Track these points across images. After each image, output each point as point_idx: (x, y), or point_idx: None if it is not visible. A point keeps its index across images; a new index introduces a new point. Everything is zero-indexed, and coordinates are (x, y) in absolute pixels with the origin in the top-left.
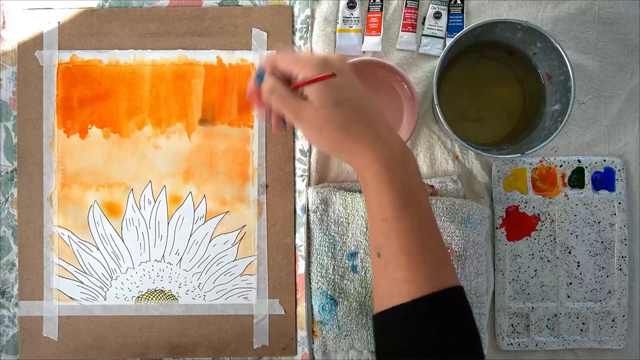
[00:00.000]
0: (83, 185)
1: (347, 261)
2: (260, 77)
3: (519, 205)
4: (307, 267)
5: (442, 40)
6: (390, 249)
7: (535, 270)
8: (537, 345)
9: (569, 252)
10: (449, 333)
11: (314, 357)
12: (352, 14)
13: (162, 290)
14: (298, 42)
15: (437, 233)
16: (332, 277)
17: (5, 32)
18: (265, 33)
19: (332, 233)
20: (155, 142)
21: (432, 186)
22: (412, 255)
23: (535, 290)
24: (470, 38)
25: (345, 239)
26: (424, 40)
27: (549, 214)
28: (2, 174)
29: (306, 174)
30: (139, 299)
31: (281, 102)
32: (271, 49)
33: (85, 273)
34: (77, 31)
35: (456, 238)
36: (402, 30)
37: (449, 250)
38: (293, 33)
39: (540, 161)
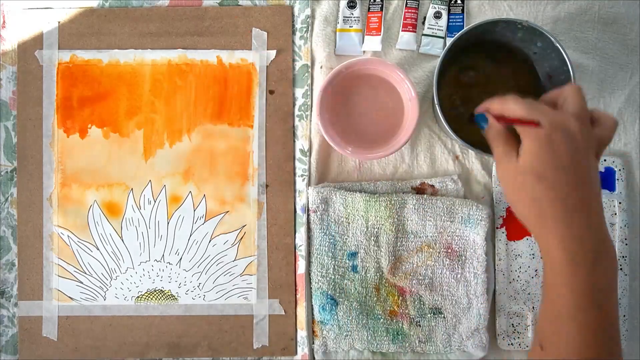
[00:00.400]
0: (83, 185)
1: (347, 261)
2: (481, 118)
3: None
4: (307, 267)
5: (442, 40)
6: (557, 348)
7: (536, 270)
8: None
9: None
10: None
11: (314, 357)
12: (352, 14)
13: (161, 290)
14: (298, 42)
15: (617, 342)
16: (333, 276)
17: (5, 32)
18: (265, 33)
19: (333, 233)
20: (155, 142)
21: (432, 186)
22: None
23: (535, 290)
24: (470, 38)
25: (346, 238)
26: (424, 40)
27: None
28: (2, 173)
29: (306, 173)
30: (139, 299)
31: (493, 138)
32: (271, 49)
33: (85, 273)
34: (77, 31)
35: (456, 238)
36: (402, 30)
37: (450, 250)
38: (293, 33)
39: None
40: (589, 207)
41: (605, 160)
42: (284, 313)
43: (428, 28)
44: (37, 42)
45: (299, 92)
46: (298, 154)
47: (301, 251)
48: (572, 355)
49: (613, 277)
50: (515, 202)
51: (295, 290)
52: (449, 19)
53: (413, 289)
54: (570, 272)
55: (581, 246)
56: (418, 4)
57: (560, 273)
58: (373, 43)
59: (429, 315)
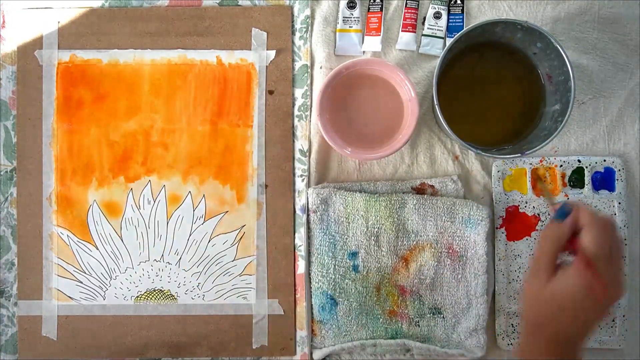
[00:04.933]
0: (82, 184)
1: (348, 261)
2: (562, 214)
3: (519, 205)
4: (307, 267)
5: (442, 40)
6: None
7: None
8: None
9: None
10: None
11: (313, 357)
12: (352, 14)
13: (161, 290)
14: (298, 42)
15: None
16: (333, 276)
17: (5, 32)
18: (265, 33)
19: (333, 233)
20: (155, 142)
21: (432, 186)
22: None
23: None
24: (470, 38)
25: (346, 238)
26: (424, 40)
27: (549, 214)
28: (2, 173)
29: (306, 174)
30: (138, 298)
31: (544, 248)
32: (271, 49)
33: (85, 273)
34: (77, 31)
35: (457, 238)
36: (402, 30)
37: (450, 251)
38: (293, 33)
39: (540, 161)
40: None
41: (605, 160)
42: (283, 313)
43: (428, 28)
44: (37, 42)
45: (298, 92)
46: (297, 154)
47: (300, 251)
48: None
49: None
50: (523, 314)
51: (295, 290)
52: (448, 19)
53: (414, 289)
54: None
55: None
56: (418, 4)
57: None
58: (373, 43)
59: (428, 315)
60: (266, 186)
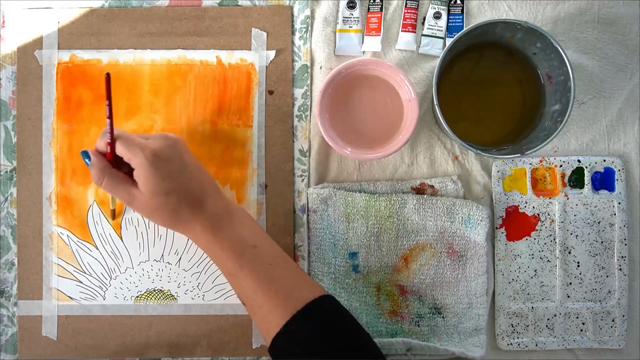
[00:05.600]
0: (82, 184)
1: (348, 260)
2: (86, 153)
3: (518, 206)
4: (308, 267)
5: (442, 41)
6: (246, 294)
7: (535, 270)
8: (536, 345)
9: (569, 252)
10: (321, 340)
11: None
12: (352, 14)
13: (161, 290)
14: (298, 42)
15: (283, 260)
16: (333, 276)
17: (5, 32)
18: (265, 33)
19: (333, 233)
20: None
21: (432, 186)
22: (265, 291)
23: (535, 290)
24: (470, 38)
25: (346, 238)
26: (424, 40)
27: (548, 214)
28: (2, 173)
29: (305, 174)
30: (138, 298)
31: (112, 189)
32: (271, 49)
33: (85, 273)
34: (77, 31)
35: (457, 238)
36: (402, 31)
37: (450, 251)
38: (293, 33)
39: (540, 161)
40: (208, 185)
41: (605, 160)
42: None
43: (428, 28)
44: (37, 42)
45: (298, 92)
46: (297, 154)
47: (300, 251)
48: (256, 290)
49: (249, 218)
50: (158, 221)
51: None
52: (448, 19)
53: (414, 289)
54: (217, 238)
55: (214, 215)
56: (417, 5)
57: (212, 245)
58: (373, 43)
59: (428, 315)
60: (266, 186)
